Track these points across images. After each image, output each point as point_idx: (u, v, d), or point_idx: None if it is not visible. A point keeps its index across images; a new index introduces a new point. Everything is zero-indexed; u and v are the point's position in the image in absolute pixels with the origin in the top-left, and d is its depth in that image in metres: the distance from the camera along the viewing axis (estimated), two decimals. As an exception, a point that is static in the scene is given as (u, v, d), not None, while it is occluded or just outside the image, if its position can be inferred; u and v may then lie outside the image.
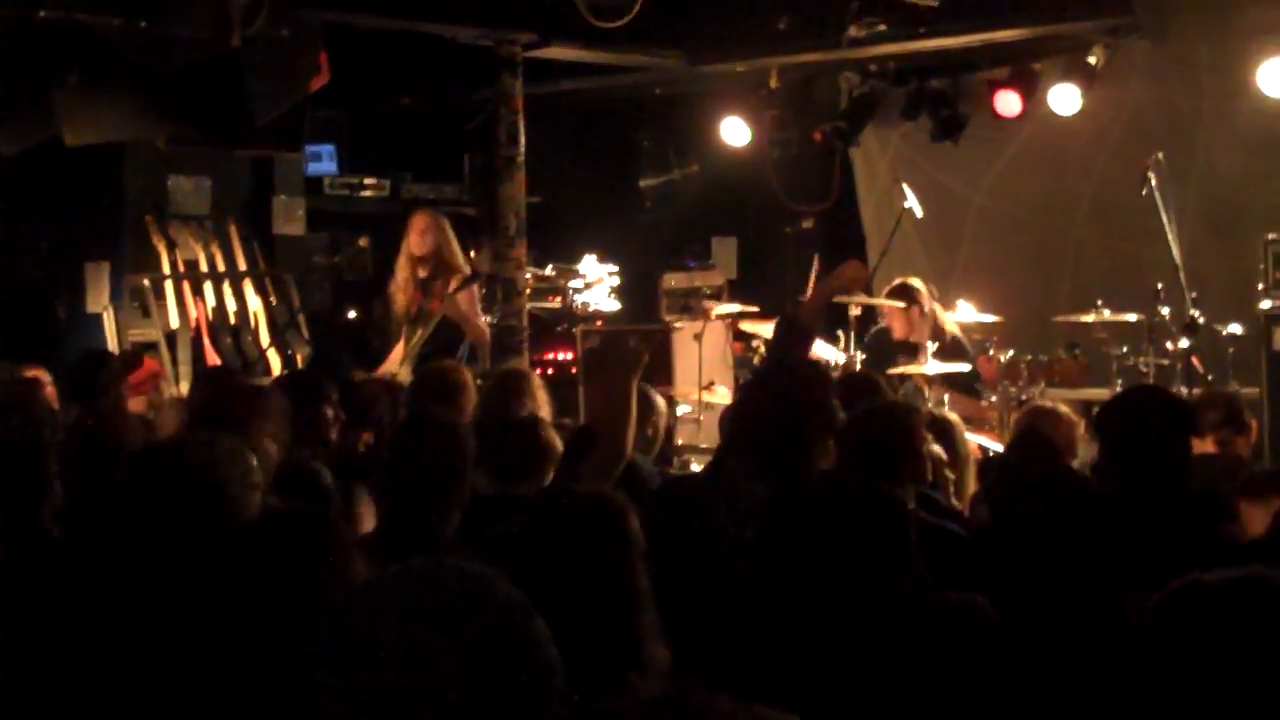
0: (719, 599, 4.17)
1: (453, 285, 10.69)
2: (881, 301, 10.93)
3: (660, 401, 7.91)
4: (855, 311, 11.03)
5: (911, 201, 11.67)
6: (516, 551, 3.77)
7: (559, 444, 6.06)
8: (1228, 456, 7.21)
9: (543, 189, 13.82)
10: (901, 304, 10.76)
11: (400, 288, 11.04)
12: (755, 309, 11.94)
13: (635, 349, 5.94)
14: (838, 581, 3.78)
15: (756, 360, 11.69)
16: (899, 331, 10.91)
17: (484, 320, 11.25)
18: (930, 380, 10.37)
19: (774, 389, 5.59)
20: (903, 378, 10.43)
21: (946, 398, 10.10)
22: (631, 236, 15.56)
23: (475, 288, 11.03)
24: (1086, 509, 4.89)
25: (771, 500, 4.20)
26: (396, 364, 10.57)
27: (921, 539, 4.01)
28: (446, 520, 5.23)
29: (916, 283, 10.94)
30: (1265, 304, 10.49)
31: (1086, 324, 11.06)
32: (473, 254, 12.39)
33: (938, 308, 10.97)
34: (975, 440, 8.40)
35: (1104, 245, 12.95)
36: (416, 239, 10.99)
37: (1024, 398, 10.26)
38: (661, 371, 11.58)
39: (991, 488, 5.80)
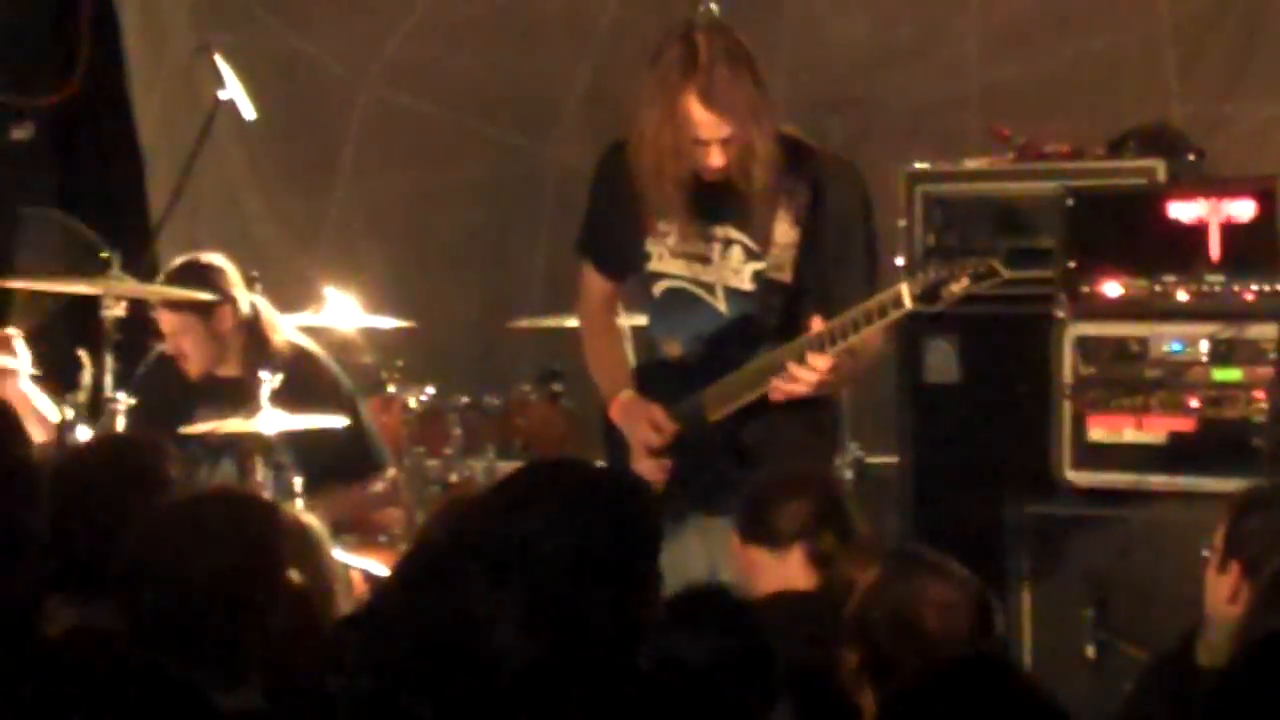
0: None
1: None
2: (171, 293, 7.63)
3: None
4: (114, 313, 7.49)
5: (232, 90, 8.25)
6: None
7: None
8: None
9: None
10: (200, 305, 7.73)
11: None
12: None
13: None
14: None
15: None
16: (195, 359, 7.83)
17: None
18: (269, 446, 7.57)
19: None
20: (203, 442, 7.56)
21: (300, 480, 7.45)
22: None
23: None
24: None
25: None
26: None
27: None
28: None
29: (221, 262, 7.94)
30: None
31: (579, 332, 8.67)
32: None
33: (268, 307, 8.05)
34: (357, 565, 6.98)
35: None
36: None
37: (453, 478, 8.36)
38: None
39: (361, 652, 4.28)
